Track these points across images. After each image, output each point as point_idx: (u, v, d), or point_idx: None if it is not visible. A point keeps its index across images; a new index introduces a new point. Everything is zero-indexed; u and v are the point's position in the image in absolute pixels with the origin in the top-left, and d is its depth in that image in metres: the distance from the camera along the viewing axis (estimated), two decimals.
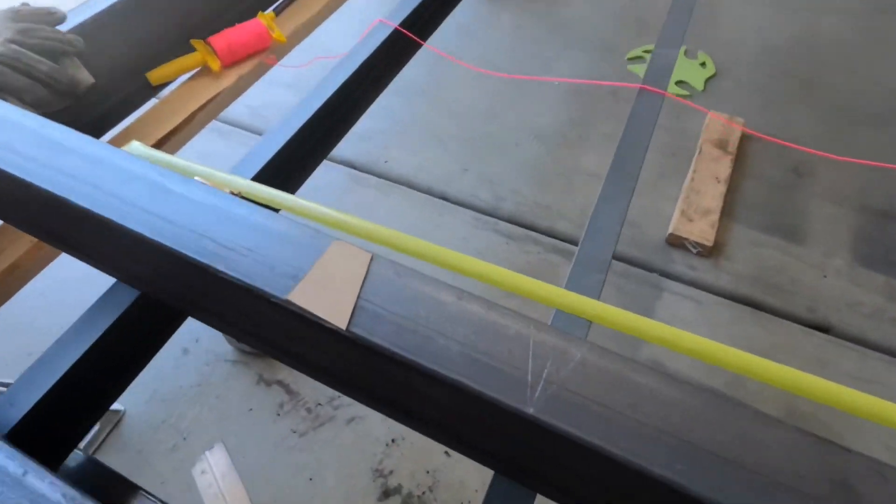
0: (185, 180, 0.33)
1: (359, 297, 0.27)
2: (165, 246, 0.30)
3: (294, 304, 0.27)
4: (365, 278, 0.28)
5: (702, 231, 1.14)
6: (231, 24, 0.77)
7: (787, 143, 0.73)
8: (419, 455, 0.89)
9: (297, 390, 0.96)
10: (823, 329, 1.04)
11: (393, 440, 0.90)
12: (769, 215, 1.22)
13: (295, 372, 0.98)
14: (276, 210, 0.40)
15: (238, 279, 0.28)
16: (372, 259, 0.29)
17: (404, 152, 1.37)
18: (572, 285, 0.49)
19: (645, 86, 0.70)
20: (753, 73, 1.58)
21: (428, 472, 0.88)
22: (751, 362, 0.38)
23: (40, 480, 0.25)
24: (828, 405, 0.32)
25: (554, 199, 1.26)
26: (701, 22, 1.67)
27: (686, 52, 1.62)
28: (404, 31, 0.74)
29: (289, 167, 0.59)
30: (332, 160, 1.35)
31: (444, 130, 1.42)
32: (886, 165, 0.77)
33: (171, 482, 0.86)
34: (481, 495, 0.91)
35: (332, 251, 0.29)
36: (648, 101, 0.68)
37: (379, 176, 1.32)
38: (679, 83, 1.53)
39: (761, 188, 1.27)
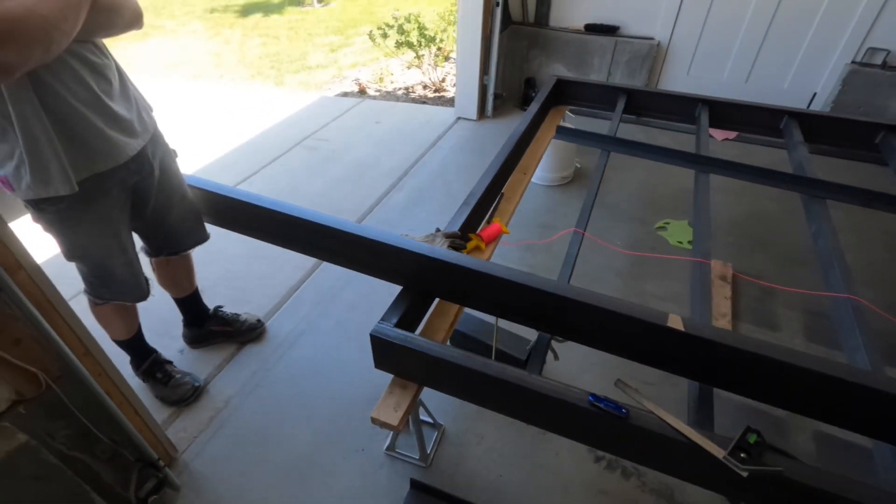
0: None
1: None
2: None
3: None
4: None
5: (723, 326, 2.09)
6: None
7: (755, 280, 1.72)
8: None
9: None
10: None
11: None
12: (757, 316, 2.19)
13: None
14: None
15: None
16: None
17: None
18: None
19: (696, 258, 1.70)
20: (728, 236, 2.68)
21: None
22: None
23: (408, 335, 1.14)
24: None
25: None
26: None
27: (690, 223, 2.74)
28: (584, 232, 1.74)
29: None
30: None
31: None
32: (809, 292, 1.75)
33: None
34: None
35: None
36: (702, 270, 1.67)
37: None
38: (689, 242, 2.60)
39: (749, 301, 2.26)
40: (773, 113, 2.38)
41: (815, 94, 3.38)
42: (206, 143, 3.66)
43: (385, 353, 1.21)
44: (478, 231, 1.70)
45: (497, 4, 3.33)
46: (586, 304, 1.17)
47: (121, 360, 1.81)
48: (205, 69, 5.34)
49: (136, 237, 1.53)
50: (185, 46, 6.13)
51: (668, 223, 2.74)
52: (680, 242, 2.60)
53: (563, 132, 2.44)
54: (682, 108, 2.54)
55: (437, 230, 1.57)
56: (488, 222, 1.78)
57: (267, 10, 7.77)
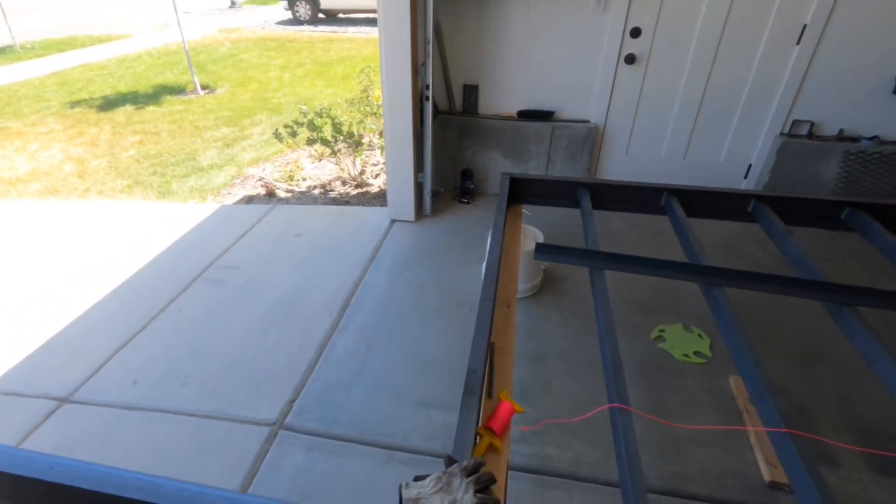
0: None
1: None
2: None
3: None
4: None
5: (779, 478, 1.70)
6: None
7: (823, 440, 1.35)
8: None
9: None
10: None
11: None
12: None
13: None
14: None
15: None
16: None
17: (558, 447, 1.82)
18: None
19: (780, 429, 1.29)
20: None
21: None
22: None
23: None
24: None
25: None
26: (681, 302, 2.52)
27: (685, 327, 2.42)
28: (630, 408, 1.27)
29: None
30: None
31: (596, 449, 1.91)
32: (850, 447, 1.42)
33: None
34: None
35: None
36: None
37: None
38: (696, 353, 2.27)
39: None
40: (741, 197, 2.22)
41: (750, 166, 3.39)
42: (57, 297, 2.75)
43: None
44: (485, 422, 1.16)
45: (427, 98, 2.97)
46: None
47: None
48: (63, 182, 4.36)
49: None
50: (37, 153, 5.06)
51: (663, 330, 2.40)
52: (686, 356, 2.25)
53: (543, 251, 2.02)
54: (648, 199, 2.33)
55: (449, 458, 0.99)
56: (489, 395, 1.25)
57: (139, 101, 6.87)
